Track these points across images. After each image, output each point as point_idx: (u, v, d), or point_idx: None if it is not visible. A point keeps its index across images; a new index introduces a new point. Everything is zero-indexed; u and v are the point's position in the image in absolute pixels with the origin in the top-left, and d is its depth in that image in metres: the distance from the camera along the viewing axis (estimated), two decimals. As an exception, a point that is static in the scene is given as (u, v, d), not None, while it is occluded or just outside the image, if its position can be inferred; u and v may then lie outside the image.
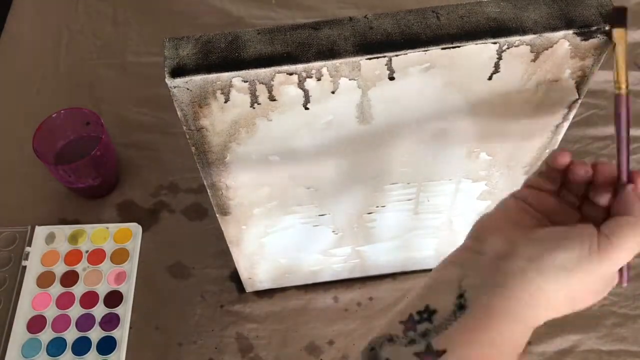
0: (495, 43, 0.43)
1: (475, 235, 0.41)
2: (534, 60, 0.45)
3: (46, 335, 0.71)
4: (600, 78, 0.90)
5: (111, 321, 0.72)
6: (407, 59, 0.43)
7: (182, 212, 0.80)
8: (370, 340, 0.39)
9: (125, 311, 0.72)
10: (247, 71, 0.42)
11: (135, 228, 0.78)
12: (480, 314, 0.37)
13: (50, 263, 0.76)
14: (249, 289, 0.74)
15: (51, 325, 0.71)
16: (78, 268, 0.75)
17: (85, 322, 0.72)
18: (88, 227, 0.78)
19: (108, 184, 0.81)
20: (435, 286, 0.40)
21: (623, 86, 0.40)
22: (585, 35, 0.44)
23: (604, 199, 0.40)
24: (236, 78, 0.43)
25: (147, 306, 0.74)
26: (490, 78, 0.46)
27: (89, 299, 0.73)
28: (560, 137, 0.54)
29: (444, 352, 0.36)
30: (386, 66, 0.44)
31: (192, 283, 0.75)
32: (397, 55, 0.43)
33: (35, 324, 0.71)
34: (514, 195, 0.43)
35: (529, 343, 0.70)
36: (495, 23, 0.44)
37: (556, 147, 0.55)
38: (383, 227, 0.64)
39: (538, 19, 0.44)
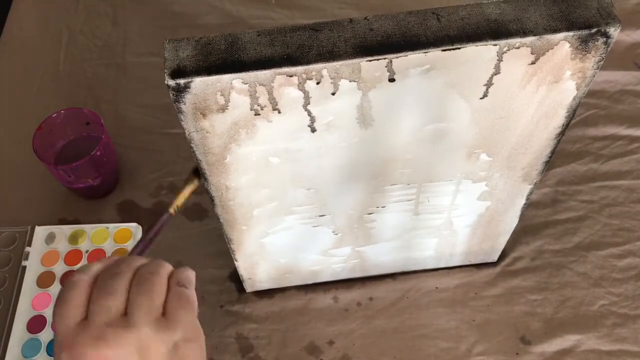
0: (495, 45, 0.43)
1: None
2: (534, 62, 0.45)
3: (46, 335, 0.71)
4: (600, 78, 0.90)
5: (111, 321, 0.72)
6: (407, 61, 0.43)
7: (182, 212, 0.80)
8: None
9: (125, 311, 0.72)
10: (247, 73, 0.42)
11: (135, 228, 0.78)
12: None
13: (50, 263, 0.76)
14: (249, 289, 0.74)
15: (51, 325, 0.71)
16: (78, 268, 0.75)
17: (85, 322, 0.72)
18: (88, 227, 0.78)
19: (108, 184, 0.81)
20: None
21: (173, 210, 0.53)
22: (585, 37, 0.44)
23: None
24: (236, 80, 0.43)
25: (147, 306, 0.74)
26: (490, 80, 0.46)
27: (89, 299, 0.73)
28: (560, 137, 0.54)
29: None
30: (386, 68, 0.44)
31: (192, 283, 0.75)
32: (397, 57, 0.43)
33: (35, 324, 0.71)
34: None
35: (529, 343, 0.70)
36: (496, 25, 0.44)
37: (556, 147, 0.55)
38: (383, 227, 0.64)
39: (538, 21, 0.44)
